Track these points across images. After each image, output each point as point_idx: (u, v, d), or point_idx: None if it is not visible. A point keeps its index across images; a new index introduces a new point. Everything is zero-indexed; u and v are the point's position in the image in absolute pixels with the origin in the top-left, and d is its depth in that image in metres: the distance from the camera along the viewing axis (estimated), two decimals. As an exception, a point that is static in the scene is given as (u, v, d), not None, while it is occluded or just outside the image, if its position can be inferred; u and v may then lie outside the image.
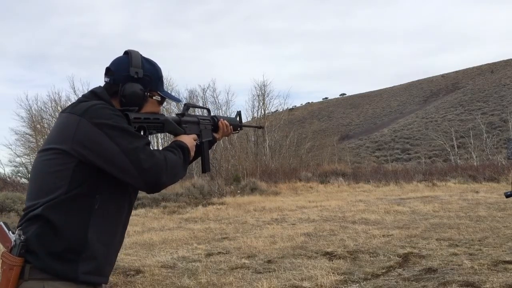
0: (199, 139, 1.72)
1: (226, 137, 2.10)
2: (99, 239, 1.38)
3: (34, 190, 1.40)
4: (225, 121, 1.88)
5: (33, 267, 1.29)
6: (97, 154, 1.33)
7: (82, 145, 1.33)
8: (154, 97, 1.55)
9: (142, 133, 1.49)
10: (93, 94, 1.48)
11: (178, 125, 1.66)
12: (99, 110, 1.37)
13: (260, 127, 2.47)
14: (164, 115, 1.62)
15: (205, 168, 1.84)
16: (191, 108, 1.88)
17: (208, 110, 1.93)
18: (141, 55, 1.56)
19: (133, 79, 1.49)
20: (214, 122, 1.86)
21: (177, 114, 1.71)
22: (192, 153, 1.61)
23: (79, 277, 1.32)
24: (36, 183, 1.40)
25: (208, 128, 1.81)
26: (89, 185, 1.36)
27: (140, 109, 1.52)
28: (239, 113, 2.06)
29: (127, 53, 1.54)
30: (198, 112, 2.04)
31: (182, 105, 1.79)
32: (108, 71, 1.52)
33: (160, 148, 1.89)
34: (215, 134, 1.85)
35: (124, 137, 1.35)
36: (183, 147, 1.55)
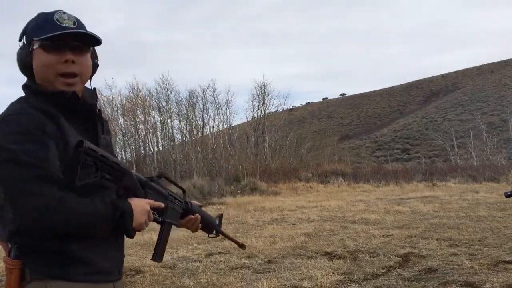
0: (162, 215, 1.43)
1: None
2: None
3: None
4: (198, 216, 1.59)
5: (32, 268, 1.24)
6: None
7: None
8: (34, 47, 1.27)
9: (94, 170, 1.21)
10: (23, 87, 1.32)
11: (141, 186, 1.36)
12: (2, 124, 1.20)
13: (242, 247, 1.90)
14: (129, 168, 1.37)
15: (155, 255, 1.48)
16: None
17: (184, 191, 1.63)
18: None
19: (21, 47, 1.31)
20: (186, 207, 1.55)
21: (146, 177, 1.42)
22: (139, 221, 1.28)
23: (74, 277, 1.25)
24: None
25: (176, 210, 1.51)
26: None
27: (30, 70, 1.28)
28: (220, 217, 1.78)
29: None
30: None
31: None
32: None
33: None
34: (181, 220, 1.55)
35: (7, 164, 1.14)
36: (122, 209, 1.23)
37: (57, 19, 1.28)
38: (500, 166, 21.57)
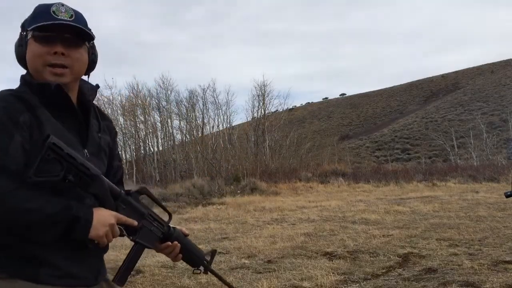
0: (133, 234, 1.30)
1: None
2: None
3: None
4: (177, 244, 1.42)
5: None
6: None
7: None
8: (28, 38, 1.27)
9: (59, 169, 1.12)
10: (20, 77, 1.31)
11: (113, 198, 1.24)
12: None
13: None
14: (101, 174, 1.22)
15: (116, 277, 1.30)
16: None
17: (170, 215, 1.45)
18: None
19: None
20: (167, 232, 1.40)
21: (124, 190, 1.31)
22: (98, 233, 1.17)
23: (42, 279, 1.18)
24: None
25: (154, 232, 1.35)
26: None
27: (25, 60, 1.28)
28: (212, 253, 1.59)
29: None
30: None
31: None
32: None
33: None
34: (159, 245, 1.40)
35: None
36: (76, 214, 1.14)
37: (53, 11, 1.25)
38: (500, 166, 21.60)
